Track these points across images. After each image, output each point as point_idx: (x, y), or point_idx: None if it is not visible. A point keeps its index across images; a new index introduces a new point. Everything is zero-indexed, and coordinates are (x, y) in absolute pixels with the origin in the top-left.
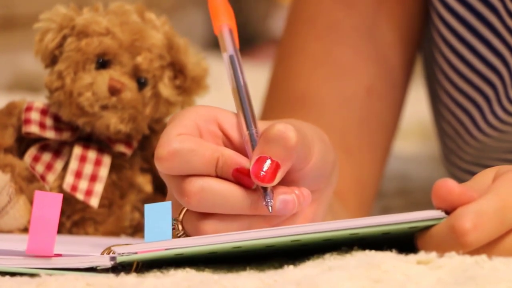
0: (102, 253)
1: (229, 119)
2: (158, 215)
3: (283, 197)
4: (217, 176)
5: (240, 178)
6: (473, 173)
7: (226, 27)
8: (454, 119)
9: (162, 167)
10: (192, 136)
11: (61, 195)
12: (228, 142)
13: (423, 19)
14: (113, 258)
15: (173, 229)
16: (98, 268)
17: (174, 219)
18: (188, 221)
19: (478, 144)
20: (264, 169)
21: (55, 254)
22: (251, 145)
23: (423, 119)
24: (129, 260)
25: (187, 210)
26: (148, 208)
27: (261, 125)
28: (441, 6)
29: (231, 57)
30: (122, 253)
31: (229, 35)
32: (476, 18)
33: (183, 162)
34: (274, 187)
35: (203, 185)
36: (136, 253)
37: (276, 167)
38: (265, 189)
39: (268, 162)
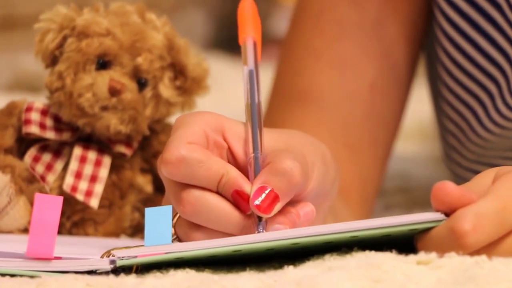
0: (102, 257)
1: (235, 131)
2: (158, 219)
3: (277, 226)
4: (217, 193)
5: (238, 201)
6: (474, 172)
7: (251, 39)
8: (457, 116)
9: (166, 172)
10: (201, 146)
11: (61, 198)
12: (231, 156)
13: (427, 17)
14: (112, 262)
15: None
16: (97, 271)
17: None
18: (180, 227)
19: (481, 141)
20: (263, 199)
21: (54, 257)
22: (254, 168)
23: (423, 119)
24: (129, 264)
25: (180, 216)
26: (149, 211)
27: (268, 138)
28: (443, 2)
29: (250, 72)
30: (122, 257)
31: (252, 49)
32: (478, 13)
33: (189, 171)
34: None
35: (200, 198)
36: (136, 257)
37: (275, 199)
38: (260, 218)
39: (269, 193)
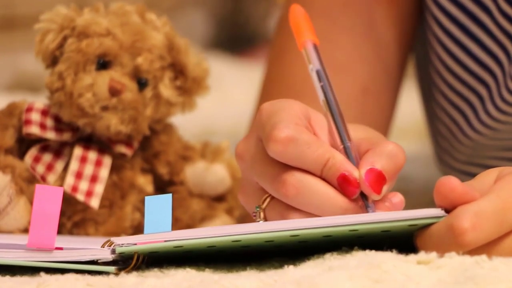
0: (103, 246)
1: (319, 120)
2: (158, 207)
3: (387, 205)
4: (319, 177)
5: (344, 185)
6: (466, 173)
7: (309, 42)
8: (448, 119)
9: (275, 150)
10: (306, 129)
11: (61, 189)
12: None
13: (416, 21)
14: (114, 251)
15: (254, 216)
16: (99, 261)
17: (257, 207)
18: (273, 209)
19: (471, 143)
20: (374, 180)
21: (56, 248)
22: (348, 157)
23: (422, 119)
24: (128, 251)
25: (272, 199)
26: (149, 200)
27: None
28: (434, 7)
29: (318, 72)
30: (122, 244)
31: (314, 50)
32: (468, 17)
33: (296, 151)
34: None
35: (304, 181)
36: (135, 244)
37: (383, 180)
38: (367, 201)
39: (378, 173)
